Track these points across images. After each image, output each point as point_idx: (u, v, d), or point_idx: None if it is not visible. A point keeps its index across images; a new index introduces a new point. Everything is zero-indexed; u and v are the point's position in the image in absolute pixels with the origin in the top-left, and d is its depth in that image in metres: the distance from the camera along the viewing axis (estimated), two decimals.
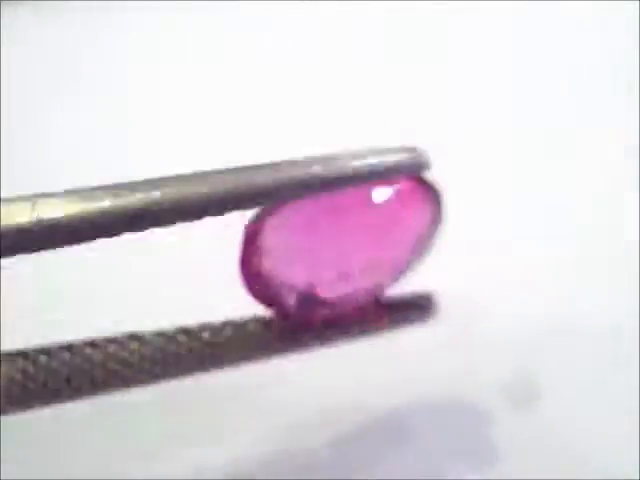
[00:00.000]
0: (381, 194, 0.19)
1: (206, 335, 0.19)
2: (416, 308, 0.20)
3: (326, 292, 0.19)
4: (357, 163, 0.18)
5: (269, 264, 0.19)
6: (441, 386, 0.22)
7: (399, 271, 0.20)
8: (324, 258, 0.19)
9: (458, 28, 0.30)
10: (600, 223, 0.25)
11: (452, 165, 0.20)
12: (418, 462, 0.21)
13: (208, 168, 0.17)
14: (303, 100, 0.28)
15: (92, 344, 0.18)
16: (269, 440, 0.21)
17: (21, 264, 0.16)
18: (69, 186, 0.16)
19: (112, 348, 0.19)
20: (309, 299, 0.19)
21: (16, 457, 0.19)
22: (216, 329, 0.19)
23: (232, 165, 0.17)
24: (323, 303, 0.19)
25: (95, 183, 0.16)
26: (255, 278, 0.19)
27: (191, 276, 0.23)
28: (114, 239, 0.16)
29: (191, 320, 0.19)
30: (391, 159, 0.18)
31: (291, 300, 0.19)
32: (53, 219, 0.16)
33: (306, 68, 0.29)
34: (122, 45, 0.30)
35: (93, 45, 0.30)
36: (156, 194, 0.16)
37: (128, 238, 0.16)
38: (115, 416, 0.21)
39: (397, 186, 0.19)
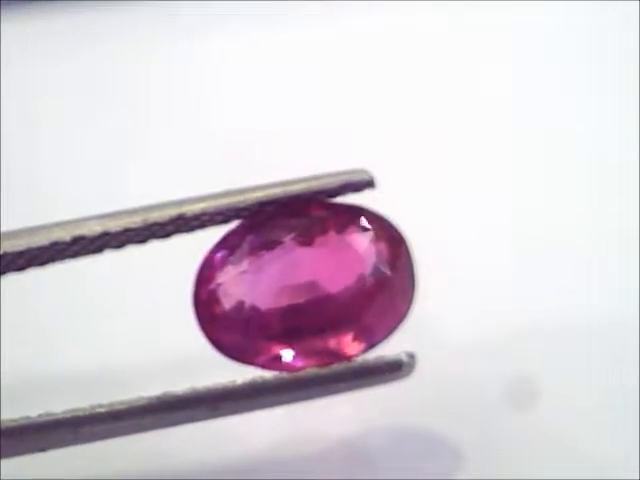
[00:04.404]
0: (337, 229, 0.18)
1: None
2: (392, 369, 0.19)
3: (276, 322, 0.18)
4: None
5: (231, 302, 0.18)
6: (441, 385, 0.22)
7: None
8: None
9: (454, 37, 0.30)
10: (600, 223, 0.25)
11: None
12: (418, 460, 0.21)
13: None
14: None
15: None
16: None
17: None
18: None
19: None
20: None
21: (16, 457, 0.19)
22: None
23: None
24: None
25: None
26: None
27: None
28: None
29: None
30: (335, 179, 0.18)
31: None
32: None
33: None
34: (122, 45, 0.30)
35: (93, 45, 0.30)
36: None
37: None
38: None
39: (356, 224, 0.18)
